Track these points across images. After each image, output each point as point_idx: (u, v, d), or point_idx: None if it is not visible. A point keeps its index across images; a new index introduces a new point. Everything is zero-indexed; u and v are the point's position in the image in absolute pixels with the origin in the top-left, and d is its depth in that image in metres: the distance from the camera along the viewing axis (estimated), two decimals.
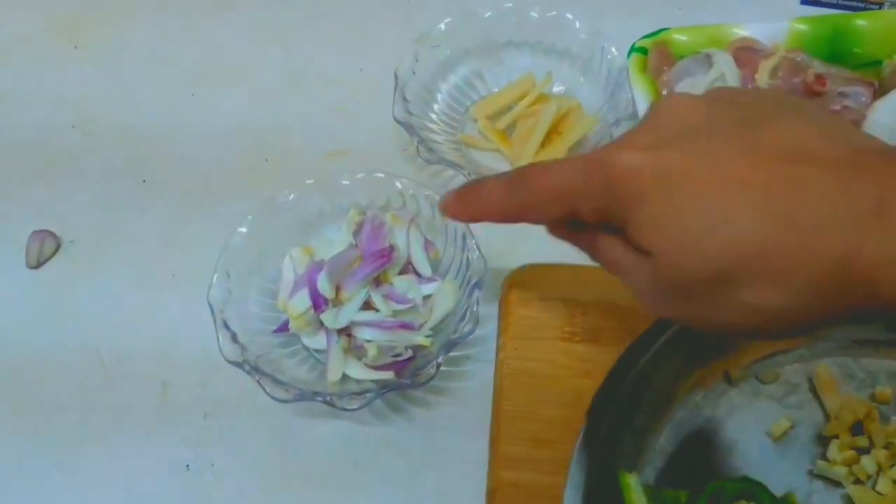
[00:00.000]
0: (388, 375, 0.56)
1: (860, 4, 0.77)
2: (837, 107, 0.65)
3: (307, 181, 0.62)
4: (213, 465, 0.57)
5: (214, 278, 0.57)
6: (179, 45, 0.81)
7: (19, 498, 0.57)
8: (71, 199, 0.71)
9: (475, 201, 0.44)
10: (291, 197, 0.61)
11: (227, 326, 0.56)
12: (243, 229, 0.60)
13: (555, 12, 0.70)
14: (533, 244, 0.64)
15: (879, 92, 0.66)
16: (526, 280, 0.60)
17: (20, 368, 0.62)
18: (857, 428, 0.52)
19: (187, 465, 0.57)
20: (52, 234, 0.67)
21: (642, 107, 0.66)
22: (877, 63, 0.69)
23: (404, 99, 0.66)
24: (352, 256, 0.57)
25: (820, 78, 0.65)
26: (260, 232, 0.60)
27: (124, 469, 0.57)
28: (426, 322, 0.58)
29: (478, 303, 0.56)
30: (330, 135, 0.72)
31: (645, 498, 0.46)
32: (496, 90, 0.72)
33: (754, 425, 0.53)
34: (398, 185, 0.61)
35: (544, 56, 0.72)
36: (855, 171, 0.32)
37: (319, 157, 0.71)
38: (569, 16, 0.70)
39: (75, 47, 0.82)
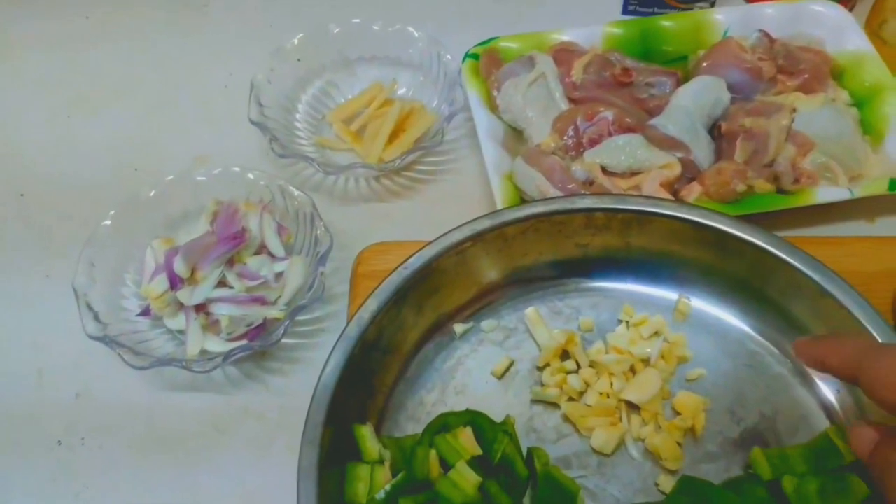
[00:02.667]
0: (240, 344, 0.61)
1: (674, 10, 0.87)
2: (644, 95, 0.74)
3: (167, 178, 0.68)
4: (83, 438, 0.61)
5: (79, 266, 0.62)
6: (58, 74, 0.87)
7: None
8: None
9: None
10: (152, 193, 0.67)
11: (90, 307, 0.61)
12: (107, 222, 0.65)
13: (398, 26, 0.78)
14: (380, 226, 0.71)
15: (684, 81, 0.75)
16: (373, 256, 0.67)
17: None
18: (567, 356, 0.60)
19: (59, 441, 0.61)
20: None
21: (475, 103, 0.74)
22: (684, 58, 0.79)
23: (259, 103, 0.73)
24: (207, 240, 0.63)
25: (626, 70, 0.74)
26: (125, 226, 0.66)
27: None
28: (280, 297, 0.64)
29: (323, 274, 0.63)
30: (197, 144, 0.79)
31: (380, 445, 0.53)
32: (350, 97, 0.80)
33: (479, 369, 0.61)
34: (250, 176, 0.68)
35: (391, 66, 0.80)
36: None
37: (187, 163, 0.76)
38: (409, 29, 0.78)
39: None
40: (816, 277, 0.56)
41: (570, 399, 0.59)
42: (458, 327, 0.62)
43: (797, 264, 0.57)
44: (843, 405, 0.56)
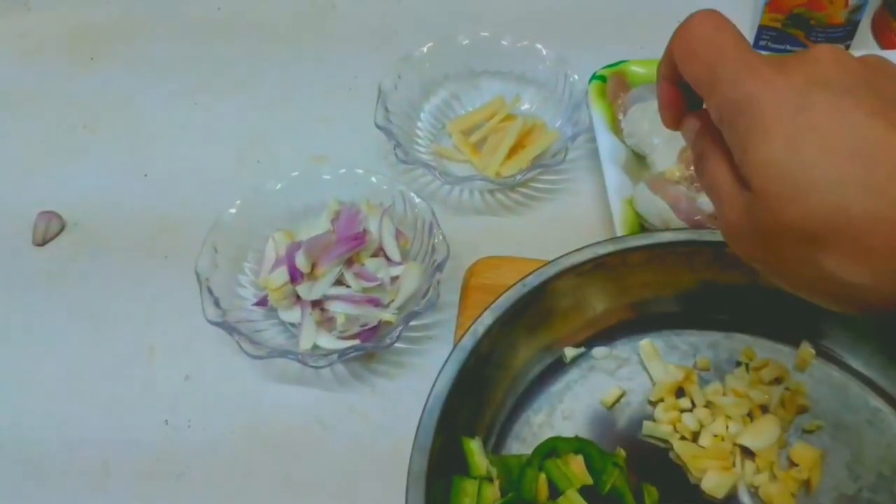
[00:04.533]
0: (354, 343, 0.61)
1: (806, 48, 0.85)
2: None
3: (293, 173, 0.69)
4: (189, 420, 0.62)
5: (203, 249, 0.63)
6: (186, 61, 0.89)
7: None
8: (76, 187, 0.78)
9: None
10: (278, 186, 0.68)
11: (210, 292, 0.62)
12: (232, 210, 0.66)
13: (525, 42, 0.78)
14: (491, 240, 0.71)
15: None
16: (485, 269, 0.67)
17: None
18: (681, 394, 0.59)
19: (166, 420, 0.62)
20: (58, 216, 0.74)
21: (599, 125, 0.73)
22: None
23: (386, 109, 0.74)
24: (328, 238, 0.64)
25: None
26: (249, 216, 0.67)
27: (109, 421, 0.63)
28: (393, 301, 0.64)
29: (439, 283, 0.63)
30: (315, 142, 0.80)
31: (487, 461, 0.52)
32: (471, 109, 0.80)
33: (589, 396, 0.60)
34: (374, 179, 0.68)
35: (515, 82, 0.80)
36: None
37: (305, 160, 0.78)
38: (538, 45, 0.78)
39: (91, 58, 0.90)
40: None
41: (683, 438, 0.57)
42: (569, 351, 0.61)
43: None
44: None
